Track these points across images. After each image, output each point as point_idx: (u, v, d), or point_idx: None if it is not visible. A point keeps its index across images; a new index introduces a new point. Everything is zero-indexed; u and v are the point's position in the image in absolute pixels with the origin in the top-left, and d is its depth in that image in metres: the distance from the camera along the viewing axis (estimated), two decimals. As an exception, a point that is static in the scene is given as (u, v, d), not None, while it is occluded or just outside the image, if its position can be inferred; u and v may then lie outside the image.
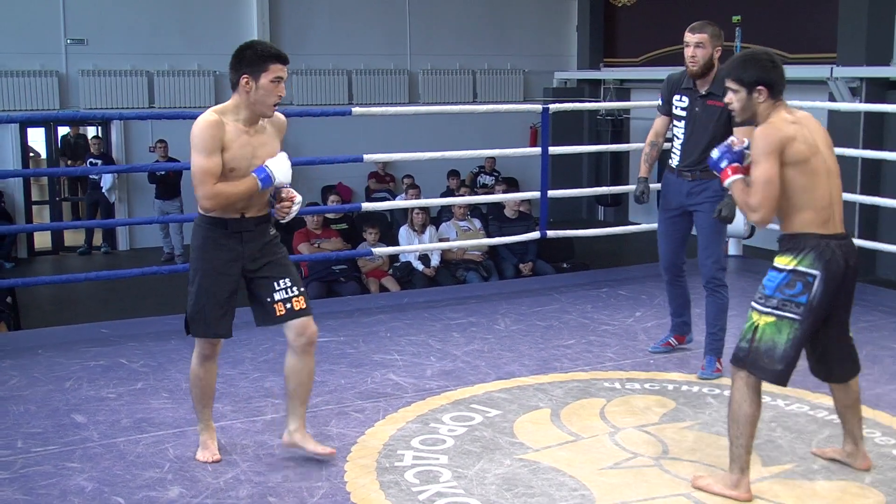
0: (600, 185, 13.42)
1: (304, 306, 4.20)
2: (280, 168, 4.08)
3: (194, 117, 7.83)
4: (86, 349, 6.16)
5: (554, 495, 4.02)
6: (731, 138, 4.07)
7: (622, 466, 4.33)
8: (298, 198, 4.27)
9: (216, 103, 15.20)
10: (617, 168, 14.97)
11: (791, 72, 11.40)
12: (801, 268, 3.80)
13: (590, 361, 5.90)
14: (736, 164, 3.93)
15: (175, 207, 13.76)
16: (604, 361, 5.89)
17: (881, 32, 11.80)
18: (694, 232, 5.73)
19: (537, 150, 8.55)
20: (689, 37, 5.38)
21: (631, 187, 12.86)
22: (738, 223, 8.58)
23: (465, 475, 4.21)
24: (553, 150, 8.35)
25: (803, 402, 5.11)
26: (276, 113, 4.23)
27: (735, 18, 11.47)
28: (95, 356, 6.02)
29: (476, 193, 13.91)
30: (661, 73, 14.59)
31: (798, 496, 4.01)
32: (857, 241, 9.69)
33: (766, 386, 5.33)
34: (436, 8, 16.60)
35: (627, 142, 14.98)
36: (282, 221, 4.32)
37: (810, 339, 3.95)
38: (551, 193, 8.33)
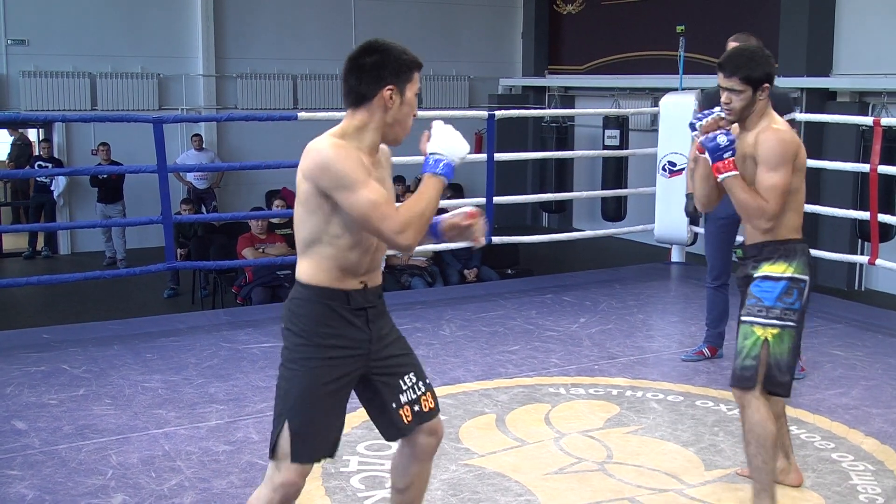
0: (545, 192, 13.46)
1: (433, 406, 3.20)
2: (449, 141, 3.01)
3: (138, 120, 7.85)
4: (26, 355, 6.08)
5: (499, 500, 4.04)
6: (732, 126, 3.78)
7: (567, 471, 4.36)
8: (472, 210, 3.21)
9: (159, 107, 14.88)
10: (561, 175, 15.02)
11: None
12: (796, 275, 3.71)
13: (535, 367, 5.93)
14: (733, 158, 3.69)
15: (117, 211, 13.58)
16: (548, 367, 5.93)
17: (821, 44, 11.99)
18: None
19: (482, 156, 8.59)
20: (734, 45, 5.35)
21: (575, 194, 13.00)
22: (681, 231, 8.68)
23: (410, 481, 4.21)
24: (498, 156, 8.38)
25: (745, 408, 5.17)
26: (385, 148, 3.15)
27: (679, 28, 11.56)
28: (36, 362, 5.94)
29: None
30: (606, 81, 14.65)
31: (740, 500, 4.06)
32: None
33: (707, 390, 5.42)
34: (382, 14, 16.58)
35: (572, 149, 15.05)
36: (479, 246, 3.35)
37: None
38: (497, 200, 8.36)
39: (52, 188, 14.20)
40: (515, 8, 17.90)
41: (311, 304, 2.99)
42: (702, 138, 3.74)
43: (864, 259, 8.37)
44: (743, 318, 3.74)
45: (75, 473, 4.28)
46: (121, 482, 4.19)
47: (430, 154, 2.97)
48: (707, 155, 3.73)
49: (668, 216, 8.81)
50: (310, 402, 2.99)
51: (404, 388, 3.13)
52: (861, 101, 11.66)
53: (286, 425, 2.98)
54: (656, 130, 9.11)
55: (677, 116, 8.69)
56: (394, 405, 3.11)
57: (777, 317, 3.67)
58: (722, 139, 3.70)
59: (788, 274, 3.70)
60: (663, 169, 8.75)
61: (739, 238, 6.48)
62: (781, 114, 5.28)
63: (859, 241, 11.07)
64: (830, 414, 5.11)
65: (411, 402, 3.13)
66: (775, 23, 12.49)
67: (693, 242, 9.17)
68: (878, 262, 7.33)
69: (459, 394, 5.39)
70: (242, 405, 5.17)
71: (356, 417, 4.95)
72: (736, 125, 3.80)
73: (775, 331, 3.67)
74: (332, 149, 2.86)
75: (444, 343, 6.46)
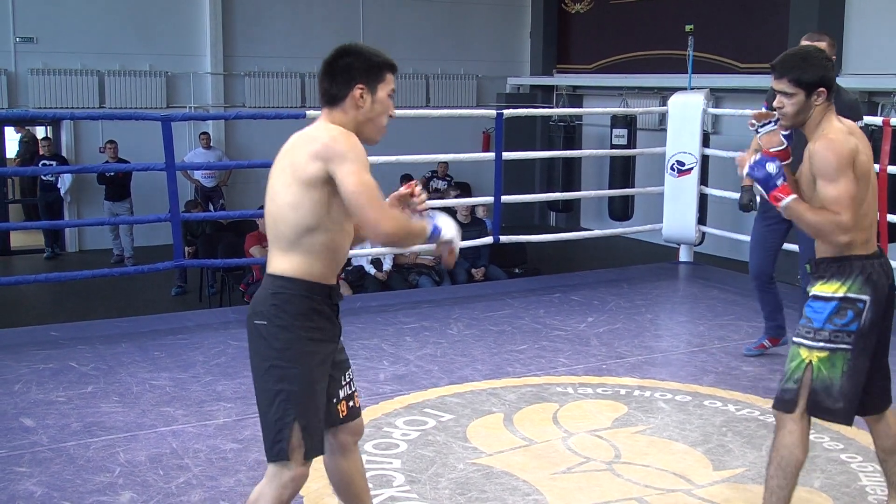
0: (553, 191, 13.46)
1: (358, 405, 3.35)
2: (449, 224, 3.16)
3: (146, 118, 7.86)
4: (35, 352, 6.09)
5: (507, 500, 4.03)
6: (770, 150, 3.58)
7: (575, 471, 4.35)
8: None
9: (168, 105, 14.94)
10: (569, 174, 15.02)
11: (742, 81, 11.41)
12: (850, 294, 3.41)
13: (542, 366, 5.93)
14: (786, 183, 3.47)
15: (125, 209, 13.60)
16: (556, 366, 5.92)
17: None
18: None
19: (490, 155, 8.58)
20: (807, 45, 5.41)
21: (583, 193, 13.00)
22: (689, 230, 8.67)
23: (418, 479, 4.21)
24: (506, 155, 8.38)
25: (754, 408, 5.17)
26: None
27: (688, 28, 11.57)
28: (45, 359, 5.95)
29: (429, 198, 13.91)
30: (614, 80, 14.63)
31: (748, 500, 4.06)
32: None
33: (715, 390, 5.41)
34: (390, 12, 16.58)
35: (580, 148, 15.06)
36: (450, 268, 3.53)
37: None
38: (504, 199, 8.35)
39: (58, 186, 14.20)
40: (524, 7, 17.90)
41: (299, 299, 3.03)
42: (747, 168, 3.53)
43: (872, 259, 8.35)
44: (793, 339, 3.53)
45: (83, 471, 4.28)
46: (129, 479, 4.19)
47: (437, 220, 3.12)
48: (759, 186, 3.53)
49: (677, 216, 8.80)
50: (312, 397, 3.04)
51: (343, 384, 3.25)
52: (870, 101, 11.64)
53: (296, 425, 3.00)
54: (664, 130, 9.09)
55: (685, 116, 8.69)
56: (334, 399, 3.21)
57: (826, 339, 3.42)
58: (771, 167, 3.47)
59: (840, 294, 3.42)
60: (671, 168, 8.74)
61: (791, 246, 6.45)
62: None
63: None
64: (839, 414, 5.09)
65: (347, 398, 3.26)
66: (784, 22, 12.48)
67: (701, 242, 9.16)
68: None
69: (467, 393, 5.39)
70: (250, 403, 5.15)
71: (363, 416, 4.96)
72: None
73: (823, 354, 3.42)
74: (342, 133, 3.00)
75: (451, 342, 6.46)
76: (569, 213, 16.39)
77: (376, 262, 10.30)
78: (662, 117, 12.70)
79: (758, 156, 3.54)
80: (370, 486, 4.11)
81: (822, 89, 3.44)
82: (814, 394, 3.44)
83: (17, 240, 14.94)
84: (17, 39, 14.14)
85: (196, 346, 6.26)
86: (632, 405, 5.21)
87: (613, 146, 13.05)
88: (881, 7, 11.63)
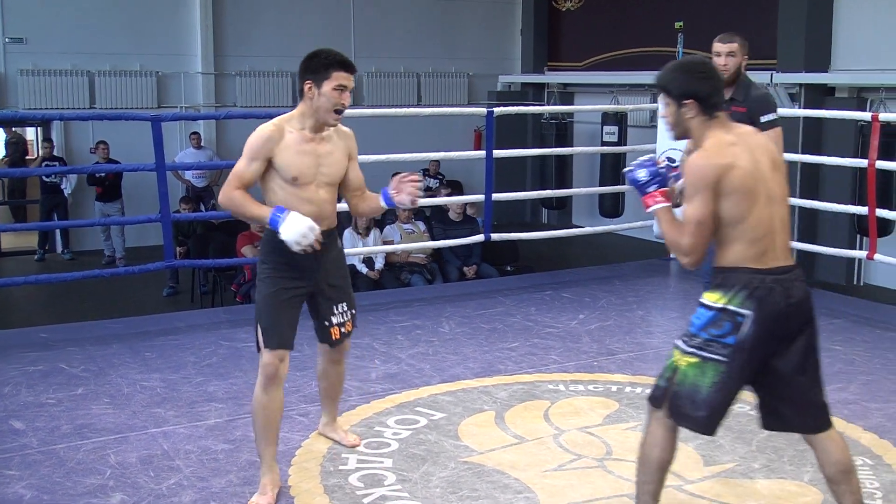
0: (544, 189, 13.44)
1: (349, 329, 4.33)
2: (293, 228, 3.83)
3: (136, 118, 7.85)
4: (24, 354, 6.07)
5: (499, 498, 4.03)
6: (653, 156, 3.58)
7: (566, 468, 4.36)
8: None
9: (158, 105, 14.92)
10: (561, 171, 15.01)
11: (732, 77, 11.25)
12: (730, 306, 3.32)
13: (534, 364, 5.93)
14: (663, 189, 3.46)
15: (116, 209, 13.56)
16: (548, 364, 5.93)
17: (819, 39, 11.98)
18: None
19: (482, 153, 8.59)
20: (720, 46, 5.57)
21: (574, 191, 12.99)
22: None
23: (409, 478, 4.21)
24: (497, 153, 8.38)
25: (744, 403, 5.15)
26: (343, 127, 4.20)
27: (678, 24, 11.56)
28: (34, 361, 5.94)
29: (420, 196, 13.89)
30: (605, 77, 14.62)
31: (738, 495, 4.07)
32: (797, 245, 9.86)
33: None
34: (380, 11, 16.56)
35: (571, 145, 15.03)
36: (408, 206, 4.34)
37: (756, 387, 3.49)
38: (496, 196, 8.35)
39: (63, 187, 14.12)
40: (514, 4, 17.89)
41: (273, 240, 3.99)
42: (625, 170, 3.55)
43: (862, 254, 8.37)
44: (675, 340, 3.50)
45: (73, 473, 4.28)
46: (119, 481, 4.18)
47: (287, 215, 3.87)
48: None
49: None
50: (270, 305, 4.05)
51: (337, 312, 4.25)
52: (859, 97, 11.66)
53: (258, 326, 4.06)
54: (655, 126, 9.11)
55: (676, 112, 8.68)
56: (327, 323, 4.25)
57: (698, 346, 3.37)
58: (641, 173, 3.48)
59: (720, 304, 3.34)
60: (662, 165, 8.73)
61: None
62: (760, 115, 5.33)
63: (858, 236, 11.07)
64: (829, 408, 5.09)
65: (340, 325, 4.28)
66: (773, 18, 12.49)
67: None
68: (877, 256, 7.32)
69: (458, 391, 5.39)
70: (241, 404, 5.17)
71: (354, 416, 4.96)
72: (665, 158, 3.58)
73: (693, 360, 3.37)
74: (258, 129, 4.02)
75: (443, 340, 6.46)
76: (560, 211, 16.39)
77: (368, 261, 10.29)
78: (653, 114, 12.70)
79: (642, 159, 3.53)
80: (361, 484, 4.12)
81: (689, 101, 3.36)
82: (676, 397, 3.41)
83: (7, 242, 14.87)
84: (7, 40, 14.10)
85: (187, 347, 6.25)
86: (623, 402, 5.21)
87: (604, 143, 13.06)
88: (869, 3, 11.64)
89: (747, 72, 5.68)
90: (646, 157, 3.54)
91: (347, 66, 3.99)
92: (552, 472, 4.31)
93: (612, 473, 4.29)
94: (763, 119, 5.33)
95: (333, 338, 4.27)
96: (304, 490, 4.09)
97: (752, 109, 5.36)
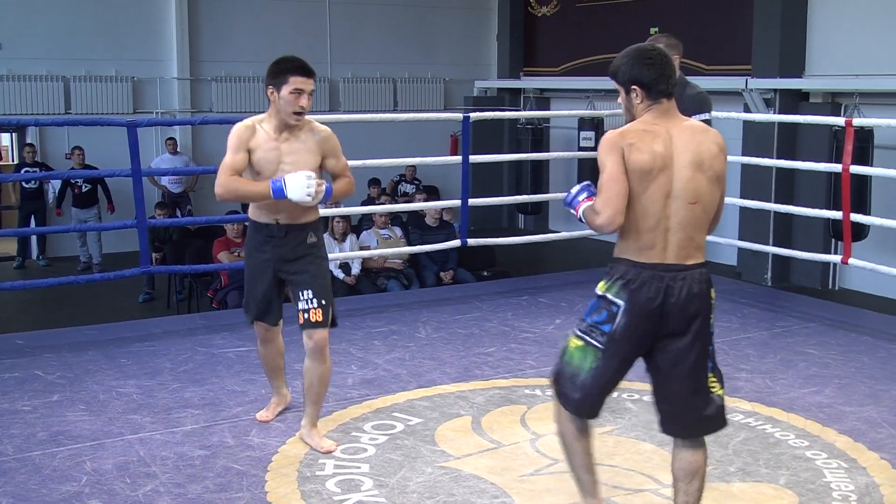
0: (521, 194, 13.48)
1: (319, 318, 4.55)
2: (294, 185, 4.32)
3: (112, 124, 7.82)
4: (-1, 361, 6.04)
5: (476, 502, 4.04)
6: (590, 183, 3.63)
7: (543, 473, 4.37)
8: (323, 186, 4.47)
9: (134, 110, 14.86)
10: (537, 176, 15.04)
11: (707, 83, 11.51)
12: (608, 295, 3.39)
13: (510, 369, 5.94)
14: (591, 196, 3.50)
15: (93, 215, 13.48)
16: (524, 368, 5.94)
17: (793, 45, 12.06)
18: None
19: (458, 158, 8.59)
20: None
21: (551, 196, 13.01)
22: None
23: (386, 483, 4.21)
24: (473, 158, 8.39)
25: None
26: (322, 127, 4.63)
27: (653, 30, 11.61)
28: (10, 368, 5.90)
29: (397, 202, 13.91)
30: (581, 83, 14.65)
31: (715, 498, 4.08)
32: (772, 249, 9.92)
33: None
34: (357, 16, 16.56)
35: (547, 150, 15.08)
36: (296, 199, 4.39)
37: (654, 387, 3.51)
38: (472, 201, 8.36)
39: (48, 193, 14.01)
40: (490, 10, 17.92)
41: (250, 228, 4.71)
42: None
43: (837, 258, 8.41)
44: None
45: (49, 480, 4.26)
46: (95, 488, 4.17)
47: (284, 179, 4.35)
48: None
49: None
50: (247, 283, 4.77)
51: (301, 299, 4.57)
52: (833, 102, 11.74)
53: (244, 301, 4.83)
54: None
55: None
56: (297, 308, 4.59)
57: (583, 330, 3.46)
58: (574, 189, 3.61)
59: (601, 292, 3.43)
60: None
61: (757, 246, 6.62)
62: (693, 114, 5.39)
63: (833, 240, 11.14)
64: (804, 412, 5.14)
65: (304, 311, 4.56)
66: (748, 24, 12.57)
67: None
68: (851, 261, 7.38)
69: (435, 396, 5.39)
70: (218, 410, 5.16)
71: (331, 421, 4.96)
72: None
73: (578, 342, 3.47)
74: (235, 125, 4.53)
75: (420, 345, 6.46)
76: (537, 216, 16.42)
77: (344, 267, 10.29)
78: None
79: (578, 187, 3.62)
80: (339, 490, 4.12)
81: (635, 87, 3.41)
82: (560, 376, 3.54)
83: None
84: (-19, 46, 14.03)
85: (163, 353, 6.23)
86: (599, 406, 5.22)
87: (581, 148, 13.08)
88: (844, 9, 11.73)
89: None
90: (582, 185, 3.60)
91: (304, 72, 4.43)
92: (529, 476, 4.33)
93: (589, 477, 4.30)
94: (695, 119, 5.33)
95: (300, 322, 4.56)
96: (282, 496, 4.08)
97: (687, 108, 5.38)
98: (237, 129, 4.49)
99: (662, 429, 3.57)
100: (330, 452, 4.55)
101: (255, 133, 4.48)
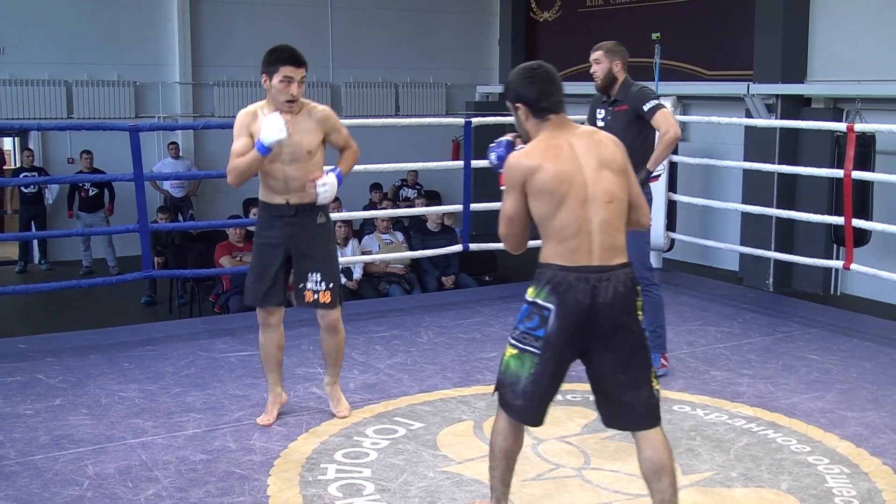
0: (522, 199, 13.49)
1: (328, 300, 4.84)
2: (265, 129, 4.54)
3: (114, 129, 7.84)
4: (2, 365, 6.04)
5: (477, 507, 4.04)
6: (512, 135, 3.80)
7: (545, 477, 4.37)
8: (323, 178, 4.74)
9: (136, 115, 14.96)
10: (539, 181, 15.04)
11: (709, 88, 11.46)
12: (538, 300, 3.46)
13: (512, 373, 5.93)
14: None
15: (100, 219, 13.48)
16: (526, 373, 5.92)
17: (795, 51, 12.07)
18: None
19: (460, 163, 8.60)
20: (591, 56, 6.15)
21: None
22: (658, 236, 8.73)
23: (388, 488, 4.21)
24: (475, 163, 8.40)
25: (722, 412, 5.20)
26: (321, 106, 4.88)
27: (655, 36, 11.61)
28: (11, 372, 5.91)
29: (398, 206, 13.92)
30: (583, 87, 14.76)
31: (717, 503, 4.09)
32: (774, 254, 9.93)
33: (684, 395, 5.43)
34: (358, 21, 16.59)
35: (549, 155, 15.08)
36: (319, 202, 4.75)
37: (593, 385, 3.57)
38: (474, 207, 8.37)
39: (46, 197, 14.02)
40: (492, 15, 17.95)
41: (260, 209, 4.92)
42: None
43: (839, 264, 8.43)
44: None
45: (51, 484, 4.26)
46: (97, 492, 4.17)
47: (258, 142, 4.59)
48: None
49: (645, 222, 8.83)
50: (254, 263, 4.93)
51: (310, 279, 4.81)
52: (835, 108, 11.75)
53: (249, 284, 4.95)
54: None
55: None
56: (301, 286, 4.84)
57: (516, 338, 3.53)
58: (492, 156, 3.79)
59: (531, 298, 3.50)
60: (640, 175, 8.77)
61: (760, 251, 6.60)
62: (641, 106, 5.79)
63: (834, 246, 11.14)
64: (806, 417, 5.14)
65: (313, 291, 4.81)
66: (750, 29, 12.58)
67: (670, 248, 9.21)
68: (853, 266, 7.37)
69: (437, 401, 5.39)
70: (220, 414, 5.16)
71: (333, 426, 4.96)
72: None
73: (513, 351, 3.54)
74: (238, 114, 4.82)
75: (421, 350, 6.46)
76: (539, 221, 16.43)
77: (346, 272, 10.30)
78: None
79: (500, 140, 3.80)
80: (340, 494, 4.12)
81: (519, 105, 3.53)
82: (501, 385, 3.59)
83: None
84: (-17, 50, 14.05)
85: (165, 358, 6.24)
86: (601, 411, 5.22)
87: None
88: (845, 14, 11.74)
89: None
90: (504, 139, 3.77)
91: (293, 61, 4.62)
92: (530, 481, 4.32)
93: (590, 483, 4.31)
94: (645, 108, 5.77)
95: (306, 300, 4.84)
96: (284, 499, 4.09)
97: (632, 105, 5.87)
98: (239, 116, 4.77)
99: (605, 423, 3.65)
100: (343, 417, 5.02)
101: (256, 118, 4.70)
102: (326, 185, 4.72)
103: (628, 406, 3.52)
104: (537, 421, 3.60)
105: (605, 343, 3.45)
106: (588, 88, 6.34)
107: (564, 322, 3.41)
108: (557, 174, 3.40)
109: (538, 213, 3.46)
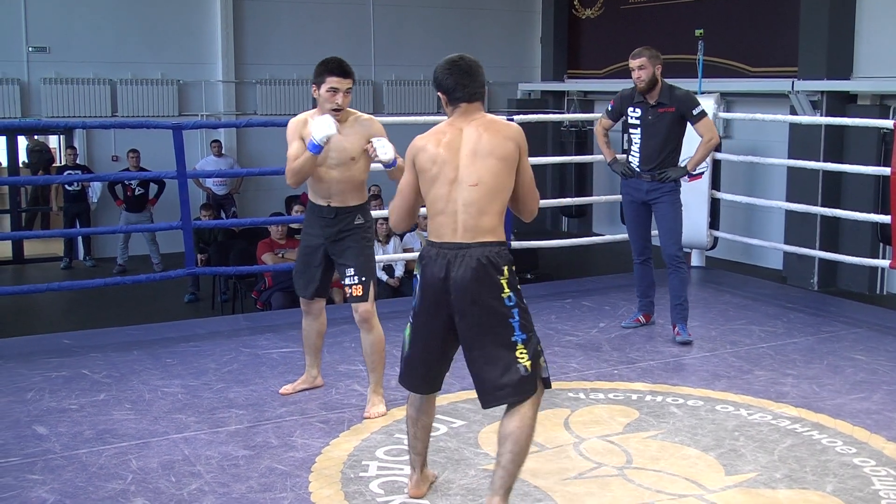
0: (565, 196, 13.44)
1: (359, 293, 5.02)
2: (316, 128, 4.80)
3: (157, 127, 7.91)
4: (47, 360, 6.11)
5: (518, 505, 4.03)
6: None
7: (586, 476, 4.35)
8: (378, 142, 4.91)
9: (179, 113, 15.14)
10: (581, 179, 15.02)
11: (753, 85, 11.39)
12: (416, 273, 3.84)
13: (554, 372, 5.89)
14: None
15: (146, 218, 13.56)
16: (568, 372, 5.92)
17: (841, 47, 11.94)
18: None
19: (502, 161, 8.56)
20: (632, 62, 6.57)
21: (596, 199, 13.01)
22: (701, 234, 8.67)
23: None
24: (517, 161, 8.35)
25: (766, 412, 5.16)
26: (366, 116, 5.11)
27: (698, 32, 11.55)
28: (57, 367, 5.97)
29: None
30: (625, 85, 14.72)
31: (760, 505, 4.04)
32: (819, 253, 9.82)
33: (727, 395, 5.39)
34: (400, 19, 16.61)
35: (591, 153, 15.03)
36: (379, 159, 4.86)
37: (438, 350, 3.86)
38: (515, 204, 8.33)
39: (89, 195, 14.15)
40: (534, 13, 17.91)
41: (307, 208, 5.21)
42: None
43: (885, 263, 8.33)
44: None
45: (95, 478, 4.30)
46: (141, 486, 4.20)
47: (310, 142, 4.85)
48: None
49: (688, 220, 8.76)
50: (298, 258, 5.27)
51: (347, 276, 5.04)
52: (881, 104, 11.61)
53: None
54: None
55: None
56: (343, 282, 5.07)
57: (411, 311, 3.90)
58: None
59: (416, 272, 3.86)
60: (683, 173, 8.71)
61: (803, 250, 6.58)
62: (690, 110, 6.40)
63: (880, 244, 11.01)
64: (852, 418, 5.07)
65: (348, 286, 5.04)
66: (795, 25, 12.46)
67: (713, 247, 9.14)
68: (900, 265, 7.28)
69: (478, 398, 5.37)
70: (262, 410, 5.18)
71: (374, 423, 4.97)
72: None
73: (408, 324, 3.93)
74: (292, 120, 5.12)
75: (463, 348, 6.44)
76: (580, 219, 16.38)
77: (388, 269, 10.32)
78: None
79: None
80: (382, 492, 4.13)
81: (440, 94, 3.87)
82: (402, 353, 3.95)
83: (30, 249, 14.96)
84: (30, 49, 14.21)
85: (208, 354, 6.27)
86: (643, 410, 5.20)
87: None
88: (892, 9, 11.59)
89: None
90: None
91: (339, 72, 4.91)
92: (572, 480, 4.31)
93: (632, 482, 4.28)
94: (694, 112, 6.42)
95: (346, 297, 5.14)
96: (325, 496, 4.09)
97: (679, 108, 6.46)
98: (290, 124, 5.08)
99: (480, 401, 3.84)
100: (368, 418, 5.03)
101: (306, 124, 4.97)
102: (383, 141, 4.90)
103: (482, 381, 3.74)
104: (416, 387, 3.91)
105: (462, 318, 3.69)
106: (630, 86, 6.49)
107: (426, 293, 3.76)
108: (433, 156, 3.76)
109: (422, 189, 3.83)
